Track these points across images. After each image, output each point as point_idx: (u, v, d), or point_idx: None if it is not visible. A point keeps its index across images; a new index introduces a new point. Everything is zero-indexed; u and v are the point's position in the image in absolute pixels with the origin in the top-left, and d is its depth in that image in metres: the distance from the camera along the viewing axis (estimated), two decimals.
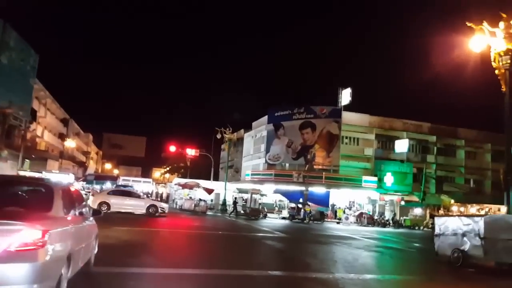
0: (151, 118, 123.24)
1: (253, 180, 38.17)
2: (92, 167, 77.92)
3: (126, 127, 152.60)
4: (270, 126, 40.49)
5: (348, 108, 38.28)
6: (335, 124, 37.34)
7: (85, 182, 37.61)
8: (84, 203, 6.08)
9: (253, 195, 33.00)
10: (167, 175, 74.88)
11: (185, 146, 42.21)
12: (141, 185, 37.79)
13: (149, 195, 33.88)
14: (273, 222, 27.09)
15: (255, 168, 42.94)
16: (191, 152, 40.60)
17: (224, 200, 34.60)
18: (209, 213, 31.37)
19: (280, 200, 36.36)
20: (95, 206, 21.01)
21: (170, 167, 68.20)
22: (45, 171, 33.92)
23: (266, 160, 40.14)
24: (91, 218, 6.15)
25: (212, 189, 33.66)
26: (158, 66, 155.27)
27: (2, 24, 34.97)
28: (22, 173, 32.13)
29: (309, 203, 30.40)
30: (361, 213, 30.55)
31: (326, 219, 30.41)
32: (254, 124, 47.54)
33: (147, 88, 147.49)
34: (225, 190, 34.91)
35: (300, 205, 30.06)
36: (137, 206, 20.84)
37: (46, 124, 51.82)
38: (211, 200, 36.02)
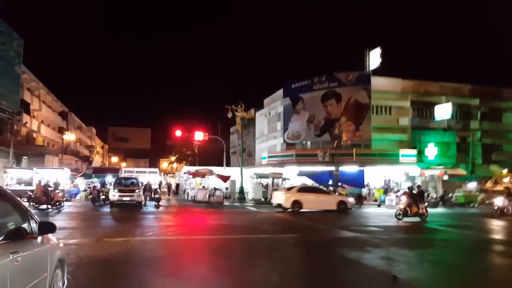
0: (154, 109, 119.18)
1: (271, 163, 33.59)
2: (97, 161, 74.35)
3: (131, 119, 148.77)
4: (286, 100, 35.58)
5: (376, 72, 33.17)
6: (364, 92, 32.27)
7: (83, 177, 33.32)
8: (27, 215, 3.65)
9: (275, 180, 28.44)
10: (175, 165, 70.91)
11: (191, 130, 37.62)
12: (147, 176, 33.46)
13: (156, 187, 29.63)
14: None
15: (271, 150, 38.29)
16: (199, 136, 35.94)
17: (241, 188, 30.18)
18: (226, 203, 27.03)
19: (303, 184, 31.70)
20: (288, 205, 19.76)
21: (177, 155, 64.04)
22: (37, 167, 29.67)
23: (284, 140, 35.40)
24: (39, 239, 3.71)
25: (228, 176, 29.23)
26: (157, 53, 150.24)
27: None
28: (9, 171, 28.03)
29: (344, 185, 25.71)
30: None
31: (364, 203, 25.76)
32: (266, 100, 42.66)
33: (148, 78, 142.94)
34: (241, 177, 30.47)
35: (331, 188, 25.48)
36: (327, 203, 20.34)
37: (42, 118, 47.93)
38: (226, 189, 31.62)
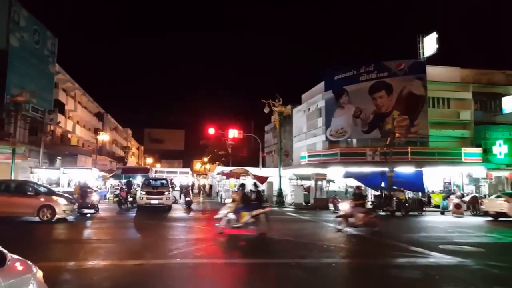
0: (188, 110, 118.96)
1: (312, 163, 30.48)
2: (132, 162, 74.21)
3: (166, 121, 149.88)
4: (328, 93, 32.33)
5: (431, 61, 29.32)
6: (418, 82, 28.47)
7: (113, 178, 31.78)
8: None
9: (318, 182, 25.36)
10: (208, 166, 69.23)
11: (225, 129, 35.29)
12: (178, 177, 31.50)
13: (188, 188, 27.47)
14: None
15: (311, 149, 35.13)
16: (232, 133, 33.48)
17: (280, 190, 27.34)
18: None
19: (350, 186, 28.33)
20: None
21: (210, 155, 62.22)
22: (64, 167, 28.36)
23: (326, 137, 32.17)
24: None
25: (265, 177, 26.54)
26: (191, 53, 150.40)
27: (8, 0, 29.77)
28: (36, 171, 26.73)
29: (401, 189, 22.20)
30: (475, 198, 21.77)
31: (425, 209, 22.12)
32: (304, 96, 39.58)
33: (183, 79, 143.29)
34: (280, 178, 27.64)
35: (385, 192, 22.14)
36: None
37: (78, 119, 47.59)
38: (263, 191, 28.85)
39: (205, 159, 71.65)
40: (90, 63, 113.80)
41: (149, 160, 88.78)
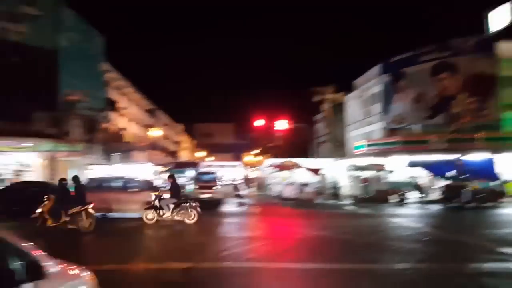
0: (237, 103, 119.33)
1: (370, 152, 28.48)
2: (185, 156, 75.90)
3: (216, 115, 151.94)
4: (385, 77, 29.94)
5: (500, 37, 25.99)
6: (487, 60, 25.35)
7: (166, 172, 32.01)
8: None
9: (377, 173, 23.57)
10: (258, 158, 68.78)
11: (273, 120, 34.23)
12: (228, 170, 31.03)
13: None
14: (425, 211, 17.65)
15: (367, 137, 32.91)
16: (281, 124, 32.33)
17: (335, 182, 25.88)
18: (317, 201, 23.10)
19: (411, 177, 26.11)
20: None
21: (260, 148, 61.63)
22: (118, 163, 29.06)
23: (385, 125, 29.96)
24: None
25: (318, 169, 25.23)
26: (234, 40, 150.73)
27: (55, 1, 30.81)
28: (92, 167, 27.52)
29: (473, 178, 19.84)
30: None
31: (500, 200, 19.63)
32: (357, 81, 37.26)
33: (231, 71, 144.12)
34: (334, 169, 26.20)
35: (453, 182, 19.98)
36: None
37: (130, 116, 49.13)
38: (316, 183, 27.46)
39: (255, 152, 71.37)
40: (140, 60, 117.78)
41: (201, 154, 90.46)
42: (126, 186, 14.03)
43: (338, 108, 37.73)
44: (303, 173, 25.95)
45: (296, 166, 25.24)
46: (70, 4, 32.28)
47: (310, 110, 43.43)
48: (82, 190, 11.29)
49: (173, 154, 63.74)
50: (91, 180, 15.77)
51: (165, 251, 8.67)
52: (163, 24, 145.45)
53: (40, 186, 18.98)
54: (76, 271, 3.12)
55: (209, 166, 33.87)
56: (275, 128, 33.05)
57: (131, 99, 49.13)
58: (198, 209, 12.50)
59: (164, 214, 12.44)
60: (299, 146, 42.83)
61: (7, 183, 21.05)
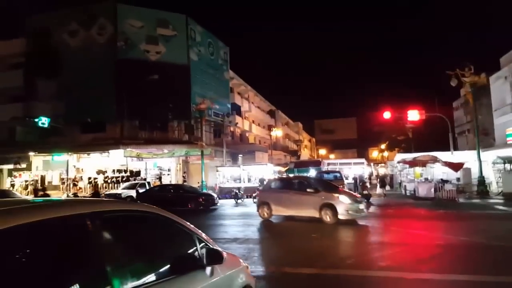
0: (357, 96, 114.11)
1: None
2: (305, 155, 75.93)
3: (335, 110, 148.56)
4: None
5: None
6: None
7: (287, 172, 32.23)
8: None
9: None
10: (386, 153, 64.18)
11: (403, 110, 31.08)
12: (353, 168, 29.48)
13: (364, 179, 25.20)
14: None
15: None
16: (413, 115, 29.15)
17: (482, 178, 22.11)
18: (460, 199, 19.98)
19: None
20: None
21: (387, 142, 57.38)
22: (243, 164, 30.30)
23: None
24: (208, 270, 2.81)
25: (460, 163, 21.85)
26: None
27: (185, 20, 33.88)
28: (220, 169, 29.20)
29: None
30: None
31: None
32: (504, 59, 31.38)
33: (349, 66, 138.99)
34: (480, 162, 22.36)
35: None
36: None
37: (253, 118, 51.33)
38: (457, 180, 23.84)
39: (382, 147, 66.96)
40: (257, 63, 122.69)
41: (322, 152, 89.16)
42: (304, 186, 13.34)
43: (482, 91, 32.31)
44: (440, 168, 22.86)
45: (432, 160, 22.30)
46: (197, 20, 35.31)
47: (445, 97, 38.50)
48: None
49: (293, 153, 64.31)
50: (270, 181, 16.61)
51: (290, 252, 8.20)
52: (279, 25, 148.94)
53: (176, 188, 20.98)
54: (237, 259, 3.63)
55: (332, 164, 32.72)
56: (405, 120, 29.90)
57: (253, 102, 51.23)
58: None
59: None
60: (433, 138, 38.34)
61: (151, 186, 23.87)
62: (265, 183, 24.27)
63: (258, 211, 13.84)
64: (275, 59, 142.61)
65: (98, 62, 29.32)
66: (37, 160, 29.70)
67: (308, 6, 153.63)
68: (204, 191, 22.55)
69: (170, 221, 2.80)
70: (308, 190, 12.67)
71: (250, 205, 19.60)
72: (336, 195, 12.25)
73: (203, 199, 18.75)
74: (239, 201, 22.14)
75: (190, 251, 2.84)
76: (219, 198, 21.65)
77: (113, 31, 30.19)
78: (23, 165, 29.43)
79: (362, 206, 12.34)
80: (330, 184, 14.33)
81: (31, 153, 28.82)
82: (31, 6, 53.55)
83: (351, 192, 13.99)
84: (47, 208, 2.04)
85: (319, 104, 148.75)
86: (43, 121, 25.72)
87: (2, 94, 32.11)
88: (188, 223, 2.93)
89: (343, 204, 11.93)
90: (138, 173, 28.05)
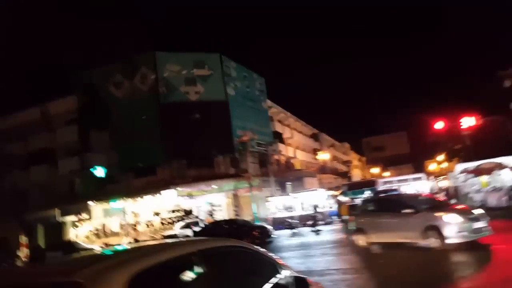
0: (404, 109, 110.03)
1: None
2: (357, 175, 73.34)
3: (383, 126, 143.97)
4: None
5: None
6: None
7: (341, 196, 30.95)
8: None
9: None
10: (445, 165, 60.18)
11: (456, 118, 29.19)
12: (412, 185, 27.72)
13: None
14: None
15: None
16: (468, 122, 27.23)
17: None
18: None
19: None
20: None
21: (444, 152, 53.95)
22: (293, 192, 29.65)
23: None
24: None
25: None
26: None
27: (219, 58, 34.88)
28: (271, 199, 28.69)
29: None
30: None
31: None
32: None
33: (392, 79, 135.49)
34: None
35: None
36: None
37: (296, 144, 50.77)
38: None
39: (439, 158, 63.04)
40: (292, 88, 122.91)
41: (375, 170, 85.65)
42: (398, 206, 11.18)
43: None
44: (509, 174, 20.79)
45: (498, 167, 20.37)
46: (230, 57, 36.26)
47: (502, 98, 35.82)
48: None
49: (344, 175, 62.31)
50: (362, 201, 16.03)
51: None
52: (311, 47, 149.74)
53: (229, 223, 20.72)
54: (319, 285, 3.86)
55: (388, 182, 31.03)
56: (461, 127, 27.96)
57: (294, 128, 50.84)
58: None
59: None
60: (494, 143, 35.34)
61: (205, 223, 23.82)
62: (317, 209, 23.41)
63: (352, 238, 12.74)
64: (311, 83, 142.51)
65: (143, 109, 30.61)
66: (96, 209, 30.93)
67: (342, 23, 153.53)
68: (257, 223, 22.10)
69: (258, 253, 3.01)
70: (405, 210, 10.66)
71: (306, 235, 18.81)
72: (439, 214, 10.11)
73: (258, 232, 18.28)
74: (294, 230, 21.40)
75: (279, 280, 2.97)
76: (274, 229, 21.05)
77: (155, 78, 31.58)
78: (86, 216, 30.64)
79: (481, 224, 9.95)
80: (434, 201, 12.31)
81: (90, 203, 30.06)
82: (78, 63, 58.14)
83: (464, 207, 11.48)
84: (163, 250, 2.44)
85: (363, 122, 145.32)
86: (99, 171, 26.94)
87: (60, 150, 34.32)
88: (271, 254, 3.13)
89: (451, 225, 9.73)
90: (190, 212, 28.28)
